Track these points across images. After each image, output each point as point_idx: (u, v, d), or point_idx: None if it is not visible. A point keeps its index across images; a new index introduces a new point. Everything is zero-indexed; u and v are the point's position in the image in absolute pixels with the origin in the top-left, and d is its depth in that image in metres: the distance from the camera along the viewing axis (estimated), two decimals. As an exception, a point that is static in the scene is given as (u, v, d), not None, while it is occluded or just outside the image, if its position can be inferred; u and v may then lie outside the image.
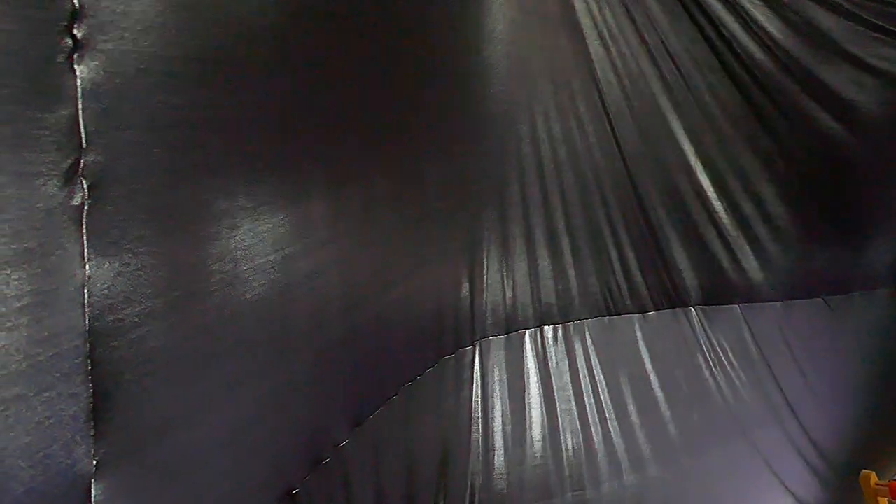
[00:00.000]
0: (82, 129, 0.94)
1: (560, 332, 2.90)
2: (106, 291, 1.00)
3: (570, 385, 2.85)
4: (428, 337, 2.23)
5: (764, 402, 3.15)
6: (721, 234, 3.06)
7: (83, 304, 0.97)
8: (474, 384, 2.60)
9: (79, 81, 0.93)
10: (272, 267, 1.37)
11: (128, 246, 1.03)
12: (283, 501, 1.42)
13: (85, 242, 0.97)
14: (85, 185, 0.96)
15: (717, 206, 3.02)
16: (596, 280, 2.93)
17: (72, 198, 0.94)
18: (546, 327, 2.87)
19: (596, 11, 2.66)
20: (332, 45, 1.56)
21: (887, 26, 2.72)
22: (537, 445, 2.75)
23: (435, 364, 2.25)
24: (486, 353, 2.68)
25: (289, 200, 1.44)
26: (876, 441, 3.41)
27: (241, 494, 1.33)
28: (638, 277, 3.00)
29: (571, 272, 2.87)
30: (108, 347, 1.01)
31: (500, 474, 2.65)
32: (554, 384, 2.83)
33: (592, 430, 2.84)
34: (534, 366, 2.82)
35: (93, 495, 0.99)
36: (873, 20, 2.72)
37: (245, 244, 1.29)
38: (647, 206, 2.94)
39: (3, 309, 0.87)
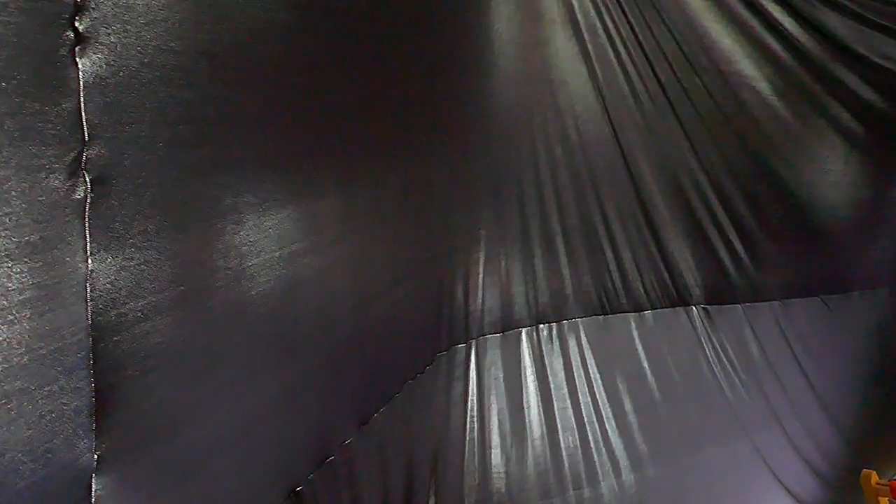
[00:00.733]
0: (85, 123, 0.94)
1: (555, 331, 2.90)
2: (109, 286, 1.00)
3: (565, 384, 2.86)
4: (428, 334, 2.23)
5: (764, 401, 3.15)
6: (721, 233, 3.05)
7: (86, 299, 0.97)
8: (470, 382, 2.59)
9: (81, 75, 0.93)
10: (278, 263, 1.36)
11: (132, 240, 1.03)
12: (287, 499, 1.42)
13: (88, 236, 0.96)
14: (88, 179, 0.96)
15: (717, 205, 3.01)
16: (591, 279, 2.93)
17: (74, 191, 0.94)
18: (542, 326, 2.87)
19: (594, 11, 2.65)
20: (339, 42, 1.55)
21: (890, 26, 2.68)
22: (535, 444, 2.75)
23: (432, 361, 2.24)
24: (483, 351, 2.68)
25: (297, 197, 1.43)
26: (876, 440, 3.41)
27: (246, 491, 1.32)
28: (634, 276, 2.99)
29: (566, 271, 2.87)
30: (111, 342, 1.01)
31: (498, 473, 2.65)
32: (551, 383, 2.83)
33: (589, 429, 2.84)
34: (530, 364, 2.82)
35: (93, 490, 0.99)
36: (877, 20, 2.69)
37: (251, 240, 1.29)
38: (647, 205, 2.93)
39: (5, 302, 0.87)
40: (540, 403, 2.77)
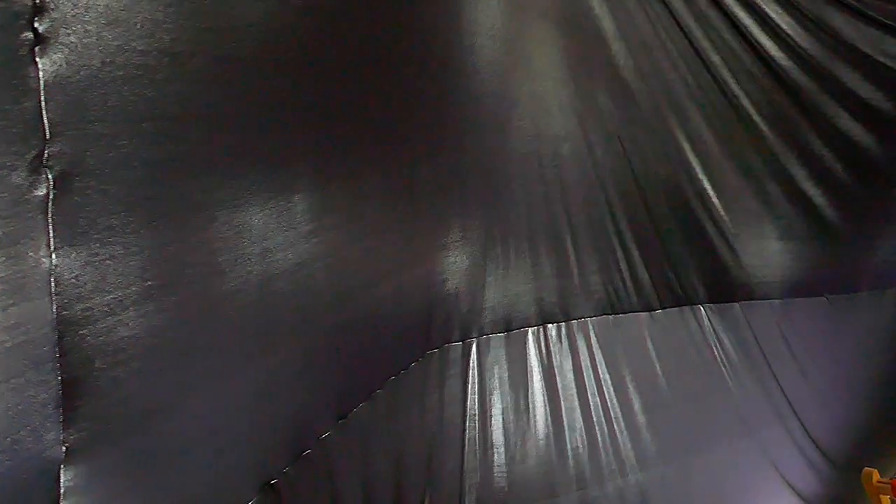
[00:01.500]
0: (46, 121, 0.96)
1: (563, 331, 2.88)
2: (74, 280, 1.02)
3: (573, 383, 2.83)
4: (415, 332, 2.22)
5: (767, 400, 3.11)
6: (722, 232, 3.01)
7: (51, 293, 0.99)
8: (469, 381, 2.59)
9: (42, 74, 0.95)
10: (251, 259, 1.38)
11: (96, 236, 1.05)
12: (262, 491, 1.44)
13: (51, 232, 0.98)
14: (50, 176, 0.98)
15: (719, 203, 2.98)
16: (599, 278, 2.91)
17: (37, 188, 0.96)
18: (549, 325, 2.85)
19: (595, 9, 2.64)
20: (316, 38, 1.56)
21: (893, 24, 2.68)
22: (541, 444, 2.73)
23: (420, 358, 2.25)
24: (484, 350, 2.67)
25: (269, 193, 1.45)
26: (879, 439, 3.37)
27: (219, 483, 1.34)
28: (644, 275, 2.97)
29: (574, 270, 2.85)
30: (77, 336, 1.03)
31: (501, 473, 2.64)
32: (558, 382, 2.81)
33: (597, 428, 2.82)
34: (537, 364, 2.80)
35: (62, 481, 1.01)
36: (881, 19, 2.68)
37: (221, 236, 1.30)
38: (650, 204, 2.91)
39: (-31, 297, 0.89)
40: (546, 403, 2.76)
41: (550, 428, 2.76)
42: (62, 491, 1.01)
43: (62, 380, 1.01)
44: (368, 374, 1.92)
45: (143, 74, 1.11)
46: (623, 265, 2.93)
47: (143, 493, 1.17)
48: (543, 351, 2.83)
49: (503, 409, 2.68)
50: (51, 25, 0.96)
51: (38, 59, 0.95)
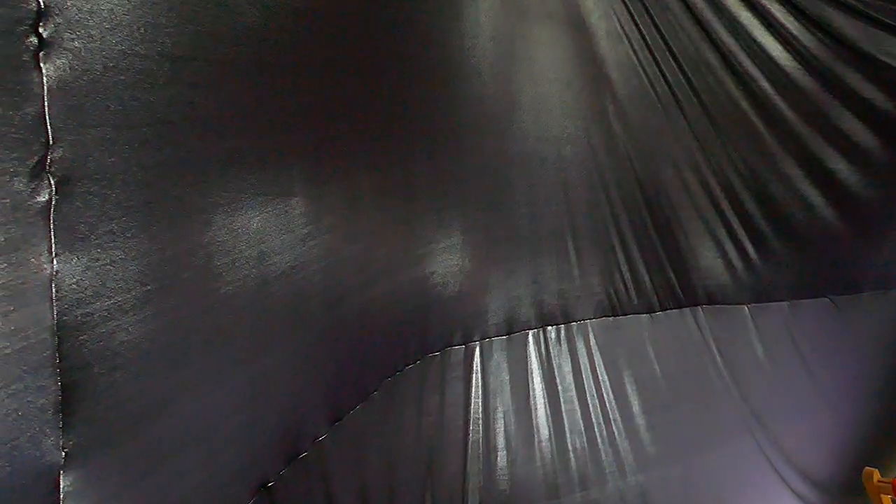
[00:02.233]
0: (49, 126, 0.96)
1: (563, 333, 2.89)
2: (74, 286, 1.02)
3: (573, 386, 2.84)
4: (412, 334, 2.23)
5: (770, 402, 3.12)
6: (729, 233, 3.03)
7: (51, 298, 0.99)
8: (472, 384, 2.60)
9: (45, 79, 0.95)
10: (247, 262, 1.38)
11: (97, 241, 1.05)
12: (258, 494, 1.44)
13: (53, 237, 0.98)
14: (52, 182, 0.98)
15: (724, 205, 3.00)
16: (600, 280, 2.92)
17: (38, 193, 0.96)
18: (549, 328, 2.86)
19: (601, 10, 2.64)
20: (314, 42, 1.57)
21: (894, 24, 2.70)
22: (542, 446, 2.74)
23: (417, 361, 2.25)
24: (488, 353, 2.67)
25: (266, 197, 1.45)
26: (884, 440, 3.38)
27: (215, 486, 1.34)
28: (645, 277, 2.98)
29: (575, 272, 2.86)
30: (76, 341, 1.03)
31: (503, 475, 2.64)
32: (558, 385, 2.82)
33: (597, 430, 2.84)
34: (537, 366, 2.81)
35: (61, 486, 1.01)
36: (883, 19, 2.70)
37: (219, 239, 1.30)
38: (652, 205, 2.92)
39: (-31, 303, 0.88)
40: (547, 405, 2.77)
41: (551, 430, 2.76)
42: (61, 496, 1.01)
43: (61, 385, 1.00)
44: (364, 377, 1.92)
45: (144, 79, 1.11)
46: (624, 267, 2.94)
47: (141, 496, 1.17)
48: (543, 353, 2.83)
49: (505, 411, 2.68)
50: (55, 30, 0.96)
51: (42, 64, 0.94)
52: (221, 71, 1.28)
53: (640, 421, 2.92)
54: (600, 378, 2.89)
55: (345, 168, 1.77)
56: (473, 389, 2.61)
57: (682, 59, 2.79)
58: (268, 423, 1.50)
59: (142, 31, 1.09)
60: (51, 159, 0.97)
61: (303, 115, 1.55)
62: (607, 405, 2.88)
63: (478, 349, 2.63)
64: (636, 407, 2.93)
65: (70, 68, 0.99)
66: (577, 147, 2.74)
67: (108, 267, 1.06)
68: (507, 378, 2.73)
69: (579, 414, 2.82)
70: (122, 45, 1.06)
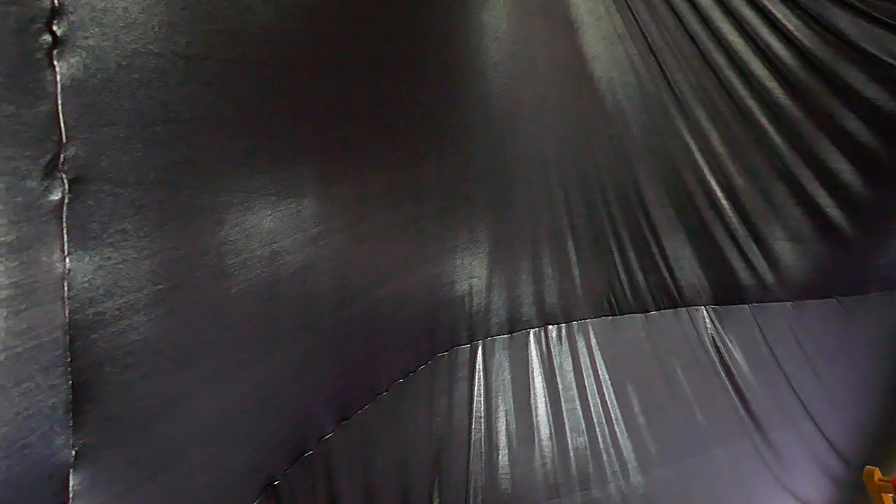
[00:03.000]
0: (62, 125, 0.96)
1: (564, 332, 2.89)
2: (87, 284, 1.02)
3: (574, 385, 2.85)
4: (421, 334, 2.22)
5: (772, 403, 3.12)
6: (731, 234, 3.02)
7: (63, 297, 0.99)
8: (476, 383, 2.59)
9: (58, 77, 0.95)
10: (259, 262, 1.38)
11: (109, 240, 1.04)
12: (264, 492, 1.44)
13: (65, 236, 0.98)
14: (65, 180, 0.97)
15: (726, 205, 2.98)
16: (600, 279, 2.91)
17: (51, 192, 0.96)
18: (550, 327, 2.86)
19: (601, 10, 2.63)
20: (326, 42, 1.56)
21: None
22: (543, 445, 2.74)
23: (428, 361, 2.24)
24: (490, 352, 2.67)
25: (277, 197, 1.44)
26: (890, 440, 3.37)
27: (223, 485, 1.34)
28: (642, 277, 2.98)
29: (575, 272, 2.86)
30: (88, 340, 1.02)
31: (505, 474, 2.65)
32: (559, 384, 2.82)
33: (598, 430, 2.83)
34: (538, 365, 2.81)
35: (71, 485, 1.01)
36: (887, 19, 2.68)
37: (231, 239, 1.30)
38: (653, 206, 2.91)
39: (-18, 301, 0.88)
40: (548, 405, 2.77)
41: (552, 429, 2.76)
42: (71, 495, 1.01)
43: (72, 384, 1.00)
44: (373, 377, 1.92)
45: (157, 77, 1.11)
46: (621, 267, 2.94)
47: (150, 495, 1.17)
48: (545, 352, 2.84)
49: (507, 410, 2.68)
50: (69, 28, 0.96)
51: (55, 62, 0.94)
52: (235, 70, 1.27)
53: (641, 420, 2.92)
54: (601, 377, 2.90)
55: (355, 168, 1.76)
56: (476, 388, 2.61)
57: (685, 59, 2.77)
58: (275, 423, 1.50)
59: (156, 29, 1.08)
60: (64, 158, 0.97)
61: (314, 115, 1.54)
62: (608, 405, 2.88)
63: (480, 348, 2.64)
64: (637, 406, 2.92)
65: (84, 66, 0.98)
66: (578, 148, 2.73)
67: (120, 266, 1.06)
68: (509, 377, 2.73)
69: (580, 413, 2.83)
70: (135, 44, 1.05)
